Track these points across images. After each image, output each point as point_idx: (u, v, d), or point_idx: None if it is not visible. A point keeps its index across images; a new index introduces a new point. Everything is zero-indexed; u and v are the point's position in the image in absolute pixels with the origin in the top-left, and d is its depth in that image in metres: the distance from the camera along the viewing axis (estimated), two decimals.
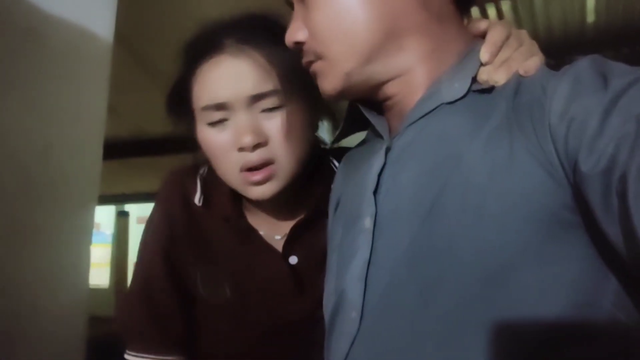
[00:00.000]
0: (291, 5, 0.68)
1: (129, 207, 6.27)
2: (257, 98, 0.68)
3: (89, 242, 1.30)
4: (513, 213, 0.50)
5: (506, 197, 0.51)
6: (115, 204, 6.00)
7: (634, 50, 3.06)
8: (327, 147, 0.87)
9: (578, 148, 0.47)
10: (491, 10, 2.88)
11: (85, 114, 1.27)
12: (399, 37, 0.61)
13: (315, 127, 0.79)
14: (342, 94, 0.65)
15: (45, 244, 1.20)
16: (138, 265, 0.83)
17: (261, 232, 0.79)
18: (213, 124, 0.70)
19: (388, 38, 0.61)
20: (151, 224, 0.83)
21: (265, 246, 0.81)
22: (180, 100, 0.72)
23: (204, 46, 0.69)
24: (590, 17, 3.11)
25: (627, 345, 0.49)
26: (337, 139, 0.76)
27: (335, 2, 0.61)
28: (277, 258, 0.80)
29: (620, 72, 0.49)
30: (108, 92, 1.34)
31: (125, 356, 0.81)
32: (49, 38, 1.22)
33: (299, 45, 0.66)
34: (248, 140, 0.68)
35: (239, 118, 0.69)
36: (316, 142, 0.80)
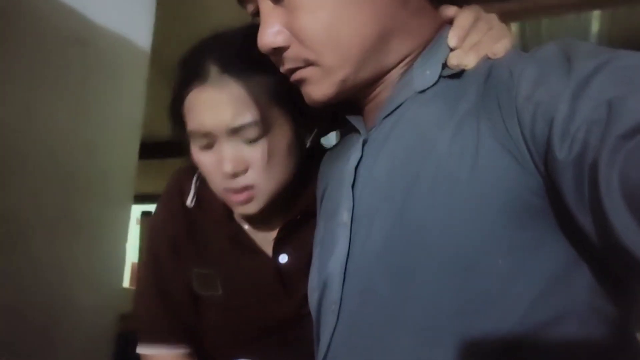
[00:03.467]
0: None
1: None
2: (236, 130, 0.69)
3: (125, 240, 1.31)
4: (481, 201, 0.49)
5: (474, 184, 0.49)
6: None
7: None
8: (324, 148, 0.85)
9: (547, 133, 0.45)
10: None
11: (124, 116, 1.31)
12: (387, 39, 0.58)
13: (302, 143, 0.78)
14: (332, 101, 0.62)
15: (84, 240, 1.20)
16: (148, 260, 0.86)
17: (255, 233, 0.83)
18: (201, 147, 0.72)
19: (379, 41, 0.58)
20: (156, 221, 0.86)
21: (254, 248, 0.83)
22: (176, 119, 0.75)
23: (191, 72, 0.71)
24: (593, 40, 3.19)
25: (603, 329, 0.49)
26: (315, 139, 0.75)
27: (326, 5, 0.56)
28: (265, 261, 0.83)
29: (586, 53, 0.47)
30: (145, 96, 1.39)
31: (138, 350, 0.83)
32: (93, 45, 1.24)
33: (278, 50, 0.59)
34: (227, 169, 0.70)
35: (222, 146, 0.71)
36: (308, 150, 0.80)
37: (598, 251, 0.41)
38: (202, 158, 0.73)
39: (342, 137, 0.75)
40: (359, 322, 0.56)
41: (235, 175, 0.71)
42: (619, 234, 0.36)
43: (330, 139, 0.89)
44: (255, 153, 0.71)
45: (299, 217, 0.80)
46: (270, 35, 0.58)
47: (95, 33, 1.26)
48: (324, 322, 0.61)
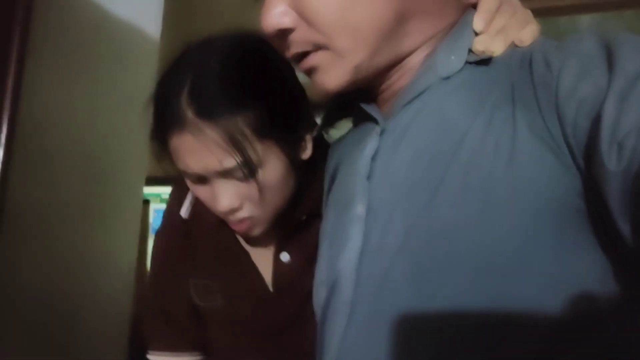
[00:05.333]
0: None
1: None
2: (224, 173, 0.66)
3: (137, 225, 1.35)
4: (520, 200, 0.45)
5: (512, 182, 0.45)
6: None
7: None
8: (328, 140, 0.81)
9: (590, 131, 0.42)
10: None
11: (137, 104, 1.34)
12: (406, 21, 0.53)
13: (299, 160, 0.74)
14: (345, 89, 0.56)
15: (100, 228, 1.22)
16: (152, 271, 0.86)
17: (253, 239, 0.80)
18: (194, 181, 0.69)
19: (396, 23, 0.53)
20: (159, 232, 0.86)
21: (247, 258, 0.82)
22: (164, 155, 0.70)
23: (167, 115, 0.65)
24: None
25: (632, 331, 0.47)
26: (322, 127, 0.68)
27: None
28: (258, 271, 0.81)
29: (632, 47, 0.43)
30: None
31: (148, 356, 0.84)
32: (106, 35, 1.24)
33: (283, 32, 0.54)
34: (222, 208, 0.68)
35: (214, 184, 0.68)
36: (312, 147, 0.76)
37: (633, 258, 0.40)
38: (197, 191, 0.71)
39: (354, 126, 0.69)
40: (375, 324, 0.51)
41: (231, 211, 0.69)
42: None
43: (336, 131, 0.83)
44: (249, 190, 0.68)
45: (304, 218, 0.78)
46: (276, 16, 0.53)
47: (108, 22, 1.26)
48: (331, 322, 0.57)
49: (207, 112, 0.62)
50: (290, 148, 0.70)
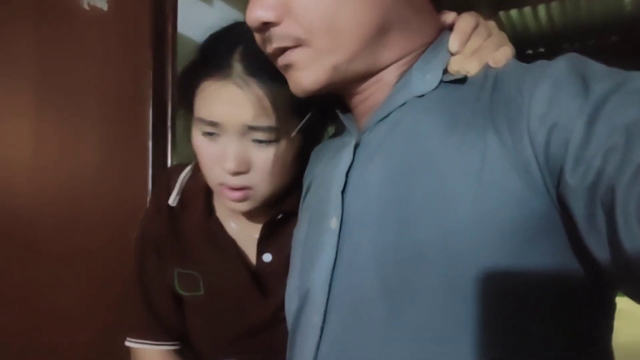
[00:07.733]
0: None
1: None
2: (251, 129, 0.66)
3: None
4: (486, 221, 0.46)
5: (479, 204, 0.46)
6: None
7: None
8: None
9: (562, 156, 0.43)
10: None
11: None
12: (386, 32, 0.55)
13: (307, 151, 0.76)
14: (321, 90, 0.57)
15: None
16: (135, 258, 0.85)
17: (238, 231, 0.81)
18: (205, 134, 0.69)
19: (377, 32, 0.54)
20: (143, 220, 0.85)
21: (232, 249, 0.81)
22: (185, 98, 0.72)
23: (213, 62, 0.66)
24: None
25: (593, 328, 0.50)
26: (301, 129, 0.69)
27: None
28: (242, 262, 0.80)
29: (601, 74, 0.45)
30: None
31: (127, 343, 0.85)
32: None
33: (266, 26, 0.54)
34: (231, 167, 0.67)
35: (229, 141, 0.68)
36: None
37: (605, 271, 0.40)
38: (204, 146, 0.71)
39: (333, 135, 0.72)
40: (349, 337, 0.53)
41: (236, 173, 0.69)
42: (633, 259, 0.34)
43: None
44: (262, 157, 0.69)
45: (281, 215, 0.78)
46: (265, 7, 0.53)
47: None
48: (302, 333, 0.58)
49: (256, 72, 0.65)
50: (309, 136, 0.73)
